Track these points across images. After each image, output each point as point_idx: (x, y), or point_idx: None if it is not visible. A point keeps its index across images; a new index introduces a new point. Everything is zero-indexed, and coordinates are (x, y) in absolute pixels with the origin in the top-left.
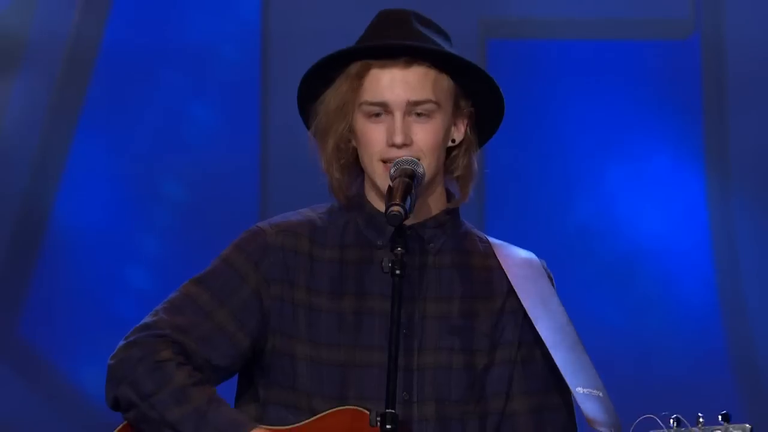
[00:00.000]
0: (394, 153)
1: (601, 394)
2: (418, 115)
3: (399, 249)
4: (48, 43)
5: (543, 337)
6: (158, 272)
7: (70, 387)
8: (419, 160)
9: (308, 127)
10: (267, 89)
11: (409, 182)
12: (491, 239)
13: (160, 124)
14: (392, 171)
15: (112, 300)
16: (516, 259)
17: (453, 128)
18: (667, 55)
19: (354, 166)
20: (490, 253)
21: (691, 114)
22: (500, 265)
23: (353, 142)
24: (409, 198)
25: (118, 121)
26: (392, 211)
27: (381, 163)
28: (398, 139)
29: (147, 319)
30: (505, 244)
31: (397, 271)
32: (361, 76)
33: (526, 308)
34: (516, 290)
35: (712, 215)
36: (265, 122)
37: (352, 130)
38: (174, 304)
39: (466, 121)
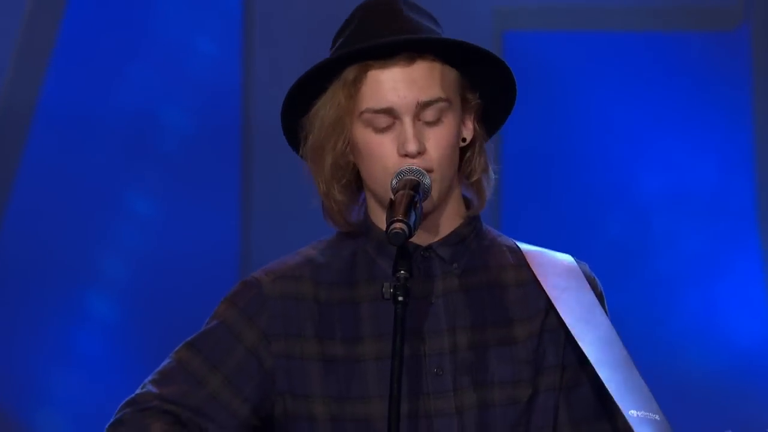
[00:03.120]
0: (409, 163)
1: (658, 417)
2: (429, 121)
3: (402, 272)
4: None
5: (588, 355)
6: (124, 299)
7: (21, 431)
8: (432, 171)
9: (292, 145)
10: (249, 88)
11: (413, 195)
12: (523, 246)
13: (126, 129)
14: (394, 183)
15: (70, 331)
16: (555, 268)
17: (462, 126)
18: (711, 48)
19: (354, 186)
20: (523, 264)
21: (739, 115)
22: (535, 277)
23: (352, 159)
24: (413, 213)
25: (77, 125)
26: (394, 228)
27: None
28: (412, 147)
29: (134, 393)
30: (540, 250)
31: (400, 298)
32: (358, 82)
33: (568, 326)
34: (555, 305)
35: (764, 233)
36: (247, 126)
37: (350, 144)
38: (163, 374)
39: (473, 116)
